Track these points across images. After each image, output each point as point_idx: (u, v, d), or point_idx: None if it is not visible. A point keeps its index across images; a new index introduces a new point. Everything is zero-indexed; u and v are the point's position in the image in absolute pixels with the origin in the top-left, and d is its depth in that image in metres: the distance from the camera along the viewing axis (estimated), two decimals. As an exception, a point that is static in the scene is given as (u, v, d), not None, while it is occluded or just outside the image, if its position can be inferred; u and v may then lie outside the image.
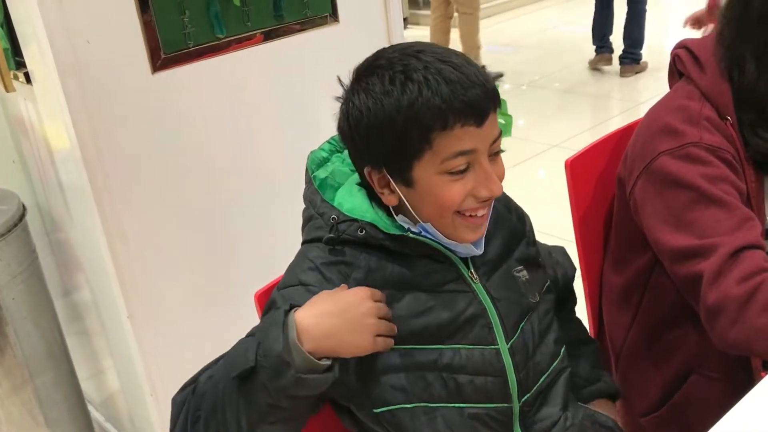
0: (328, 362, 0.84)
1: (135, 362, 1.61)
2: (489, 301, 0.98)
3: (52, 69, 1.33)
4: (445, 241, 0.94)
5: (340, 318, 0.85)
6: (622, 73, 4.89)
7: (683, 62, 1.21)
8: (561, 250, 1.24)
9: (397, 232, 0.93)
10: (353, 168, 0.99)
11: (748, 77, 1.10)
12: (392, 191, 0.93)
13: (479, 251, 0.97)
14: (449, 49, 0.92)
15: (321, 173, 1.00)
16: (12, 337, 1.57)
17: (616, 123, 4.15)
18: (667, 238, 1.09)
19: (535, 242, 1.11)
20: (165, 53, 1.44)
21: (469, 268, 0.98)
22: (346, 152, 1.02)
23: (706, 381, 1.23)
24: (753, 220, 1.05)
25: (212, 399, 0.87)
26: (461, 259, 0.98)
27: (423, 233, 0.94)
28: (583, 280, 1.39)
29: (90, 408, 1.97)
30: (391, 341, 0.90)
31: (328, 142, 1.04)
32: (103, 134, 1.41)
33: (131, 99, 1.43)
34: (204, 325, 1.65)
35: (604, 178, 1.36)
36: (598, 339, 1.43)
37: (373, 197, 0.96)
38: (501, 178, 0.93)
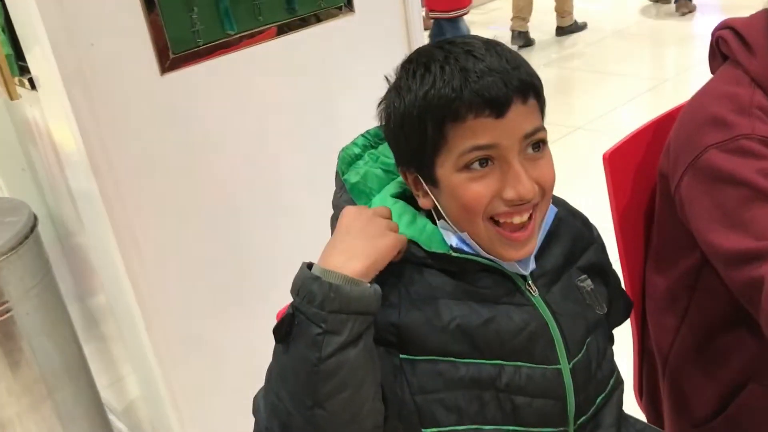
0: (368, 284, 0.78)
1: (154, 372, 1.57)
2: (550, 315, 0.89)
3: (55, 74, 1.27)
4: (484, 255, 0.86)
5: (355, 235, 0.80)
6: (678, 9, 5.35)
7: (728, 44, 1.12)
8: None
9: (439, 250, 0.86)
10: (387, 169, 0.93)
11: None
12: (426, 194, 0.87)
13: (525, 272, 0.88)
14: (489, 41, 0.84)
15: (352, 176, 0.92)
16: (28, 353, 1.52)
17: (641, 102, 4.03)
18: (720, 241, 1.01)
19: (605, 250, 1.02)
20: (174, 53, 1.37)
21: (526, 280, 0.90)
22: (381, 147, 0.95)
23: (765, 391, 1.14)
24: None
25: (271, 392, 0.80)
26: None
27: (462, 247, 0.86)
28: (624, 280, 1.30)
29: (112, 417, 1.93)
30: (405, 238, 0.84)
31: (362, 135, 0.96)
32: (111, 140, 1.35)
33: (140, 102, 1.37)
34: (225, 334, 1.60)
35: (643, 171, 1.27)
36: (641, 343, 1.36)
37: (415, 203, 0.89)
38: (545, 181, 0.84)
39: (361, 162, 0.94)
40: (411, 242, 0.86)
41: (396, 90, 0.85)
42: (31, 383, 1.54)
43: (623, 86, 4.33)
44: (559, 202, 0.98)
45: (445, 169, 0.83)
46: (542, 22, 5.37)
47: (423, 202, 0.88)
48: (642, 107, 3.97)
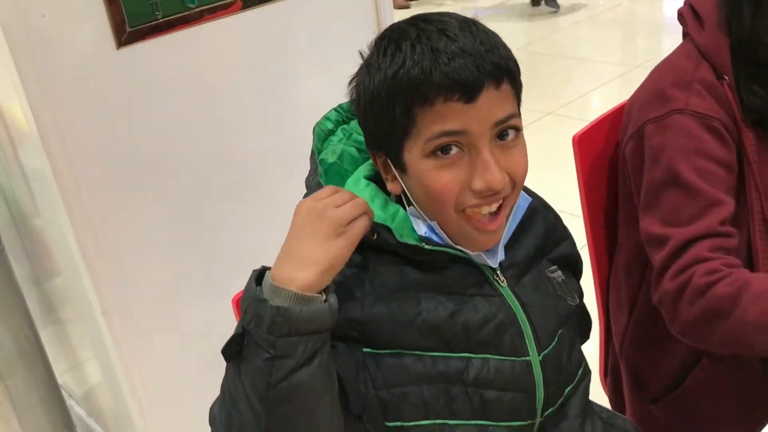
0: (322, 297, 0.73)
1: (112, 359, 1.52)
2: (519, 307, 0.87)
3: (3, 47, 1.21)
4: (452, 245, 0.83)
5: (306, 238, 0.74)
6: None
7: (685, 20, 1.13)
8: None
9: (411, 242, 0.82)
10: (360, 148, 0.89)
11: (744, 25, 1.03)
12: (394, 178, 0.83)
13: (492, 263, 0.85)
14: (466, 19, 0.80)
15: (329, 156, 0.88)
16: (-22, 338, 1.46)
17: (611, 88, 4.04)
18: (643, 219, 1.06)
19: (576, 247, 1.00)
20: (130, 26, 1.31)
21: (495, 271, 0.87)
22: (353, 123, 0.91)
23: (716, 366, 1.16)
24: (718, 205, 1.00)
25: (225, 408, 0.75)
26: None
27: (431, 236, 0.83)
28: (591, 261, 1.30)
29: (71, 403, 1.88)
30: (361, 210, 0.78)
31: (335, 110, 0.92)
32: (64, 117, 1.29)
33: (95, 77, 1.31)
34: (185, 319, 1.56)
35: (612, 153, 1.26)
36: (606, 324, 1.35)
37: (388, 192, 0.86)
38: (516, 172, 0.80)
39: (335, 138, 0.91)
40: (383, 227, 0.82)
41: (366, 67, 0.82)
42: (-18, 370, 1.48)
43: (594, 72, 4.34)
44: (534, 195, 0.96)
45: (413, 155, 0.79)
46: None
47: (391, 186, 0.84)
48: (612, 93, 3.97)
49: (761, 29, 1.02)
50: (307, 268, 0.72)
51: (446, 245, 0.83)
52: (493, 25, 0.84)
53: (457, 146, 0.78)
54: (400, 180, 0.83)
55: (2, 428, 1.55)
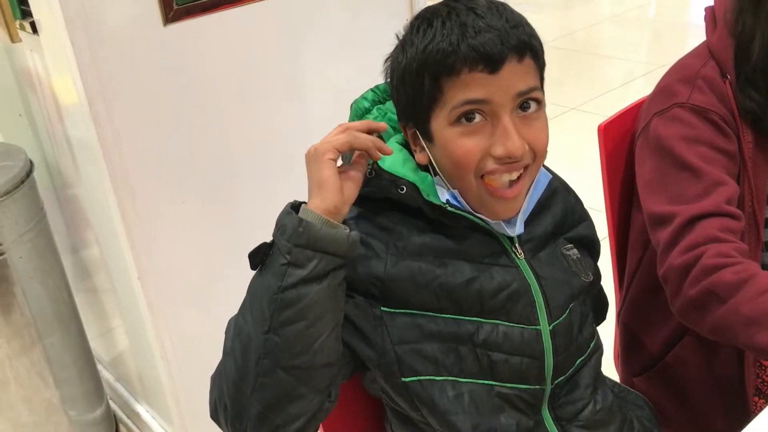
0: (345, 229, 0.80)
1: (145, 324, 1.58)
2: (534, 278, 0.92)
3: (59, 19, 1.27)
4: (474, 213, 0.88)
5: (312, 178, 0.82)
6: None
7: (706, 20, 1.17)
8: None
9: (437, 201, 0.88)
10: (394, 126, 0.94)
11: (746, 29, 1.06)
12: (422, 149, 0.89)
13: (511, 233, 0.90)
14: (500, 3, 0.85)
15: None
16: (20, 297, 1.53)
17: (636, 86, 4.05)
18: (647, 203, 1.08)
19: (595, 230, 1.05)
20: (177, 4, 1.37)
21: (513, 243, 0.93)
22: (388, 103, 0.96)
23: (697, 344, 1.20)
24: (722, 185, 1.03)
25: (240, 314, 0.83)
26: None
27: (453, 203, 0.88)
28: (611, 248, 1.34)
29: (99, 367, 1.95)
30: (358, 134, 0.83)
31: (371, 90, 0.98)
32: (112, 88, 1.35)
33: (142, 52, 1.37)
34: (217, 287, 1.61)
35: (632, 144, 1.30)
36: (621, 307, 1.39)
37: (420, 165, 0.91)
38: (537, 143, 0.85)
39: (370, 116, 0.96)
40: (412, 186, 0.87)
41: (401, 45, 0.88)
42: (22, 327, 1.55)
43: (619, 69, 4.35)
44: (556, 177, 1.01)
45: (439, 123, 0.85)
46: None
47: (419, 157, 0.90)
48: (636, 91, 3.99)
49: (755, 34, 1.05)
50: (313, 196, 0.80)
51: (465, 210, 0.88)
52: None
53: (480, 114, 0.83)
54: (427, 150, 0.88)
55: (39, 384, 1.63)
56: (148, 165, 1.44)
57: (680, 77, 1.12)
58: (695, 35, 4.62)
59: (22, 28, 1.46)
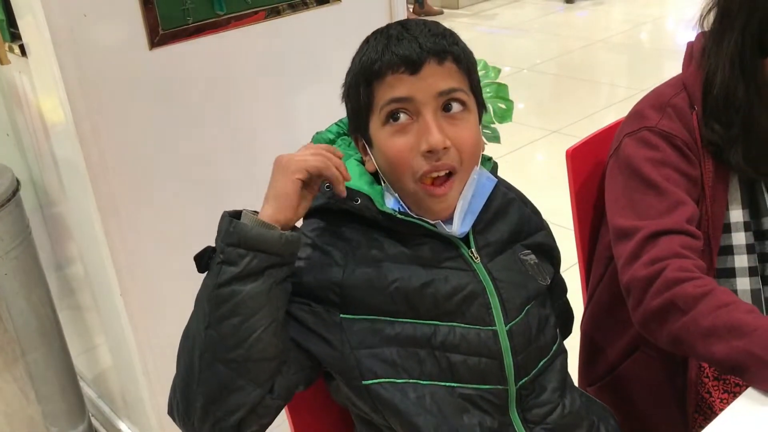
0: (281, 230, 0.85)
1: (127, 340, 1.60)
2: (489, 281, 0.96)
3: (47, 42, 1.31)
4: (413, 215, 0.94)
5: (270, 184, 0.88)
6: None
7: (685, 54, 1.23)
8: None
9: (389, 210, 0.93)
10: (358, 152, 1.00)
11: (710, 66, 1.12)
12: (369, 157, 0.96)
13: (449, 231, 0.94)
14: (433, 22, 0.94)
15: None
16: (4, 313, 1.55)
17: (616, 110, 4.13)
18: (612, 217, 1.14)
19: (553, 237, 1.10)
20: (163, 29, 1.42)
21: (469, 248, 0.98)
22: None
23: (647, 359, 1.24)
24: (684, 205, 1.08)
25: (191, 316, 0.88)
26: (461, 239, 0.97)
27: (395, 208, 0.94)
28: (580, 269, 1.38)
29: (82, 384, 1.97)
30: (324, 157, 0.88)
31: (336, 124, 1.05)
32: (98, 110, 1.39)
33: (128, 75, 1.41)
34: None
35: (603, 168, 1.34)
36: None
37: (374, 175, 0.97)
38: (462, 142, 0.92)
39: (334, 146, 1.01)
40: (366, 197, 0.93)
41: (351, 66, 0.96)
42: (5, 343, 1.57)
43: (601, 94, 4.43)
44: (512, 189, 1.08)
45: (374, 126, 0.93)
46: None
47: (368, 165, 0.97)
48: (617, 114, 4.05)
49: (716, 70, 1.11)
50: (268, 203, 0.86)
51: (414, 216, 0.94)
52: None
53: (405, 113, 0.91)
54: (371, 156, 0.95)
55: (21, 400, 1.64)
56: (132, 184, 1.48)
57: (653, 103, 1.18)
58: (678, 62, 4.72)
59: (11, 50, 1.50)
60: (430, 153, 0.90)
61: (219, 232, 0.85)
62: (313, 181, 0.88)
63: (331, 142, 1.02)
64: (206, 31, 1.48)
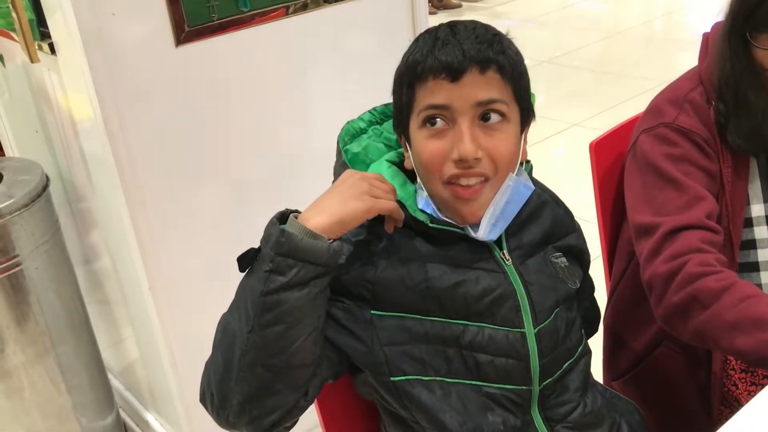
0: (328, 240, 0.85)
1: (155, 333, 1.63)
2: (520, 283, 0.97)
3: (76, 40, 1.33)
4: (443, 219, 0.94)
5: (334, 194, 0.88)
6: None
7: (701, 46, 1.23)
8: None
9: (420, 217, 0.94)
10: (389, 144, 1.01)
11: (727, 64, 1.12)
12: (408, 154, 0.97)
13: (477, 235, 0.94)
14: (483, 24, 0.93)
15: (354, 147, 1.00)
16: (35, 307, 1.59)
17: (638, 102, 4.10)
18: (632, 214, 1.14)
19: (584, 240, 1.10)
20: (189, 26, 1.44)
21: (501, 249, 0.98)
22: (386, 124, 1.03)
23: (671, 354, 1.25)
24: (703, 200, 1.08)
25: (229, 312, 0.89)
26: (494, 240, 0.97)
27: (425, 209, 0.94)
28: (604, 264, 1.38)
29: (110, 376, 2.00)
30: (393, 199, 0.91)
31: (369, 111, 1.05)
32: (126, 106, 1.41)
33: (155, 72, 1.43)
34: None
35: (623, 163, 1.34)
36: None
37: (408, 175, 0.98)
38: (496, 153, 0.91)
39: (364, 136, 1.02)
40: (400, 203, 0.94)
41: (399, 62, 0.96)
42: (37, 335, 1.61)
43: (621, 86, 4.40)
44: (546, 191, 1.07)
45: (413, 127, 0.93)
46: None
47: (407, 162, 0.98)
48: (639, 107, 4.03)
49: (714, 52, 1.12)
50: (322, 215, 0.86)
51: (439, 220, 0.94)
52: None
53: (442, 119, 0.90)
54: (409, 153, 0.96)
55: (52, 391, 1.68)
56: (159, 179, 1.50)
57: (670, 98, 1.17)
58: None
59: (41, 48, 1.53)
60: (461, 161, 0.90)
61: (268, 239, 0.84)
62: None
63: (362, 131, 1.03)
64: (230, 28, 1.50)
